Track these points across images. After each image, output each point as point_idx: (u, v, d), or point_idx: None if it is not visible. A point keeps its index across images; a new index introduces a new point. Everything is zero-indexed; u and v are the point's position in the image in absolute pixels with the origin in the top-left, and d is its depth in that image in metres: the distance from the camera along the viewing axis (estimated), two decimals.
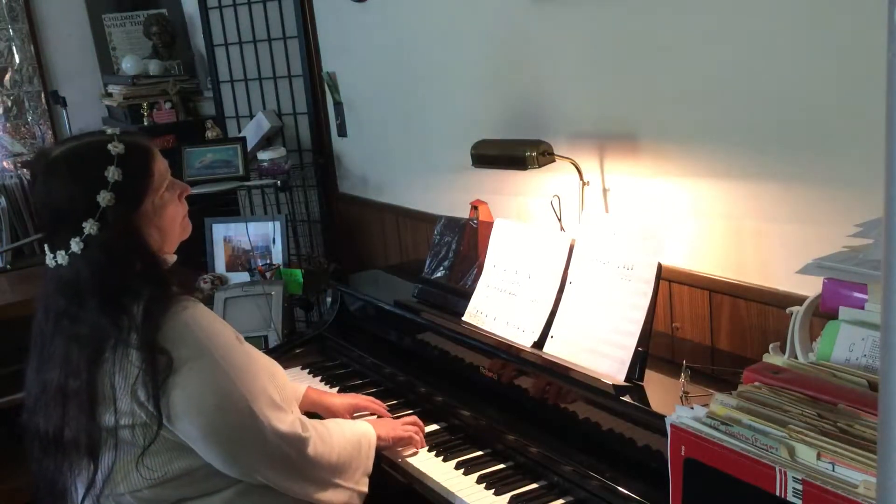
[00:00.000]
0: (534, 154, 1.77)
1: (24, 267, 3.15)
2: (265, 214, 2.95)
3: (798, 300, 1.27)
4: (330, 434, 1.52)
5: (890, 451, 0.49)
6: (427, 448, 1.67)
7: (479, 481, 1.52)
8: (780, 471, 0.90)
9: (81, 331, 1.35)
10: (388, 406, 1.85)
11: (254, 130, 3.13)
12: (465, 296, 1.87)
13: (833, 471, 0.88)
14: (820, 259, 1.17)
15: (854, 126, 1.34)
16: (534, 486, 1.49)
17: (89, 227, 1.35)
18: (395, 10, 2.49)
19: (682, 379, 1.35)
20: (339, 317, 2.30)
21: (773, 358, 1.19)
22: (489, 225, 1.88)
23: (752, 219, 1.55)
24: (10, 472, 2.46)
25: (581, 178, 1.81)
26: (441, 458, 1.63)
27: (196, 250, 2.82)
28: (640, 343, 1.46)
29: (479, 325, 1.80)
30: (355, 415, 1.81)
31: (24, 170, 3.64)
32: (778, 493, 0.90)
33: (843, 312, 1.12)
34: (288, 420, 1.42)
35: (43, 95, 4.12)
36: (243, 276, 2.75)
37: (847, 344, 1.09)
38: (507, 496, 1.46)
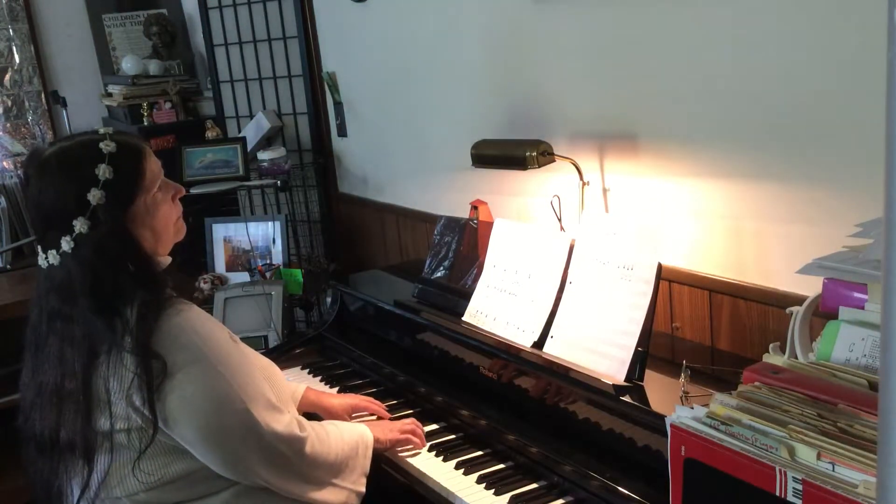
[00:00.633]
0: (534, 154, 1.77)
1: (24, 267, 3.15)
2: (265, 214, 2.95)
3: (798, 300, 1.27)
4: (327, 434, 1.52)
5: (890, 451, 0.49)
6: (427, 448, 1.67)
7: (479, 481, 1.52)
8: (780, 471, 0.90)
9: (75, 332, 1.34)
10: (387, 406, 1.85)
11: (254, 130, 3.13)
12: (465, 296, 1.87)
13: (833, 471, 0.88)
14: (820, 259, 1.17)
15: (854, 126, 1.34)
16: (534, 486, 1.49)
17: (80, 225, 1.34)
18: (394, 10, 2.49)
19: (682, 379, 1.35)
20: (339, 317, 2.30)
21: (773, 358, 1.19)
22: (489, 225, 1.88)
23: (752, 219, 1.55)
24: (10, 472, 2.46)
25: (581, 178, 1.81)
26: (441, 458, 1.63)
27: (196, 250, 2.82)
28: (640, 343, 1.46)
29: (478, 325, 1.80)
30: (354, 415, 1.81)
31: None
32: (778, 493, 0.90)
33: (843, 312, 1.12)
34: (284, 420, 1.42)
35: (43, 95, 4.11)
36: (243, 276, 2.75)
37: (847, 344, 1.09)
38: (507, 496, 1.46)
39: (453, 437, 1.71)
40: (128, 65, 3.69)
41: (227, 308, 2.52)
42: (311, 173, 3.09)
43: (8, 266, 3.22)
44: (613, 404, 1.43)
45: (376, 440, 1.61)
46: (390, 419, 1.79)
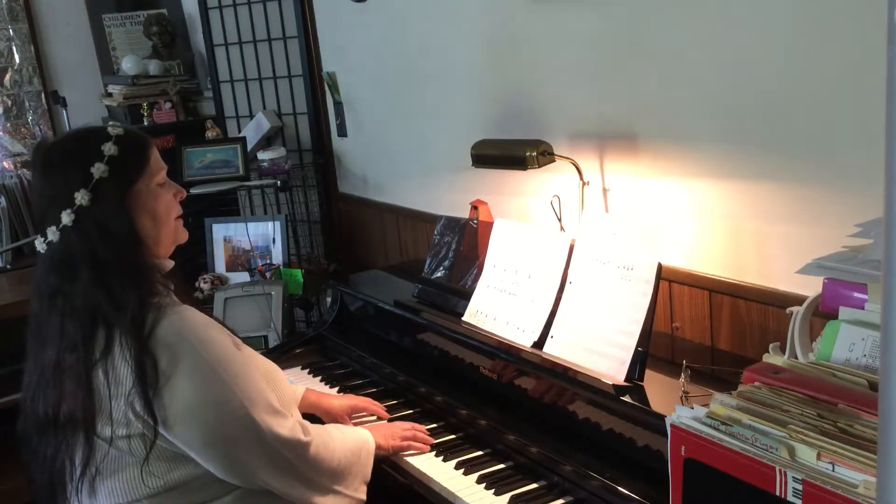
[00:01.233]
0: (534, 154, 1.77)
1: (24, 267, 3.15)
2: (265, 214, 2.95)
3: (798, 300, 1.27)
4: (331, 438, 1.51)
5: (890, 451, 0.49)
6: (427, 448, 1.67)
7: (479, 481, 1.52)
8: (780, 471, 0.90)
9: (76, 303, 1.34)
10: (387, 406, 1.85)
11: (254, 130, 3.13)
12: (465, 296, 1.87)
13: (833, 471, 0.88)
14: (820, 259, 1.17)
15: (854, 126, 1.34)
16: (534, 486, 1.49)
17: (81, 197, 1.34)
18: (395, 10, 2.49)
19: (682, 379, 1.35)
20: (339, 317, 2.30)
21: (773, 358, 1.19)
22: (489, 225, 1.88)
23: (752, 219, 1.55)
24: (10, 473, 2.46)
25: (581, 178, 1.81)
26: (441, 458, 1.63)
27: (196, 250, 2.82)
28: (640, 343, 1.46)
29: (478, 325, 1.80)
30: (354, 416, 1.81)
31: (24, 170, 3.64)
32: (778, 494, 0.90)
33: (843, 312, 1.12)
34: (287, 425, 1.41)
35: (43, 95, 4.11)
36: (243, 276, 2.75)
37: (847, 344, 1.09)
38: (507, 496, 1.46)
39: (453, 437, 1.71)
40: (128, 65, 3.69)
41: (227, 308, 2.52)
42: (311, 173, 3.09)
43: (8, 266, 3.22)
44: (613, 404, 1.43)
45: (378, 447, 1.61)
46: (390, 419, 1.79)
